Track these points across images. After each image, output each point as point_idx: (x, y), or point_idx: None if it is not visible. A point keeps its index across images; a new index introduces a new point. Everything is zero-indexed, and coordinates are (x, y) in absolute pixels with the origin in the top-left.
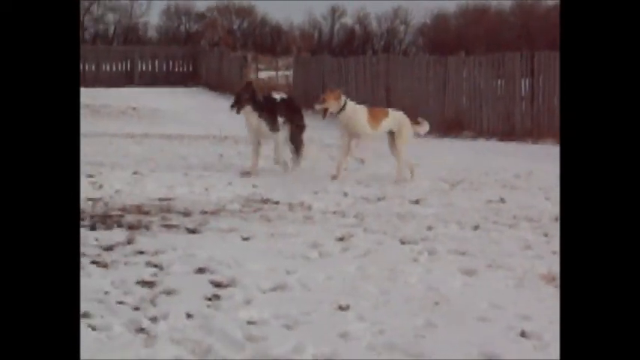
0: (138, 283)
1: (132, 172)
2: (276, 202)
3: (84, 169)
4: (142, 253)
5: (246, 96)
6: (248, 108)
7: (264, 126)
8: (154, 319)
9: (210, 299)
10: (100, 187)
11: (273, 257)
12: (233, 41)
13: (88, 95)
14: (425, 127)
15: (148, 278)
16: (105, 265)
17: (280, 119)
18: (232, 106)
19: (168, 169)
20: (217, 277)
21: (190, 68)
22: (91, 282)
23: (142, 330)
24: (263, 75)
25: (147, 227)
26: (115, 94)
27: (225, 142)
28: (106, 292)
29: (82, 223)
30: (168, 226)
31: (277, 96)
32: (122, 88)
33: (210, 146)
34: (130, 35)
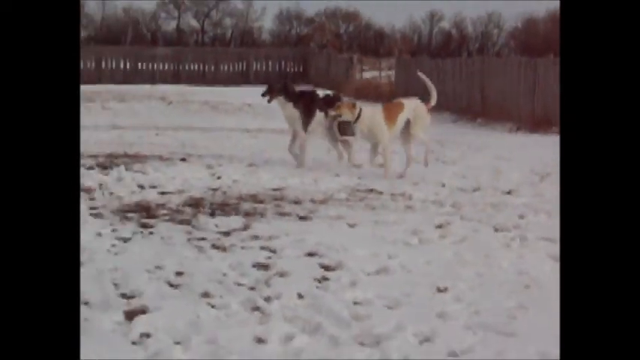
0: (254, 265)
1: (247, 164)
2: (380, 192)
3: (205, 161)
4: (257, 238)
5: (278, 86)
6: (281, 98)
7: (297, 116)
8: (268, 299)
9: (319, 281)
10: (219, 177)
11: (377, 243)
12: (340, 44)
13: (207, 93)
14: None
15: (262, 261)
16: (224, 249)
17: (320, 113)
18: (263, 95)
19: (281, 162)
20: (326, 261)
21: (301, 68)
22: (211, 264)
23: (257, 309)
24: (367, 75)
25: (262, 214)
26: (232, 92)
27: None
28: (225, 274)
29: (202, 210)
30: (281, 214)
31: (321, 93)
32: (238, 87)
33: (319, 140)
34: (246, 38)
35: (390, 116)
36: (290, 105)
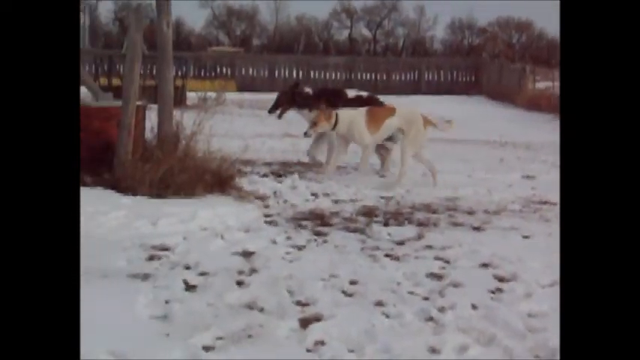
0: (427, 275)
1: (421, 174)
2: (554, 204)
3: (378, 170)
4: (430, 247)
5: (285, 97)
6: (295, 109)
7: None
8: (442, 309)
9: (493, 292)
10: None
11: (551, 255)
12: (512, 54)
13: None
14: (448, 126)
15: (436, 271)
16: (397, 258)
17: None
18: (270, 111)
19: (454, 171)
20: (500, 272)
21: (472, 78)
22: (385, 273)
23: (431, 319)
24: (540, 85)
25: (435, 224)
26: (404, 100)
27: (506, 147)
28: (399, 283)
29: (375, 219)
30: (455, 224)
31: (351, 93)
32: (410, 96)
33: (491, 151)
34: (418, 47)
35: (374, 120)
36: (306, 112)
